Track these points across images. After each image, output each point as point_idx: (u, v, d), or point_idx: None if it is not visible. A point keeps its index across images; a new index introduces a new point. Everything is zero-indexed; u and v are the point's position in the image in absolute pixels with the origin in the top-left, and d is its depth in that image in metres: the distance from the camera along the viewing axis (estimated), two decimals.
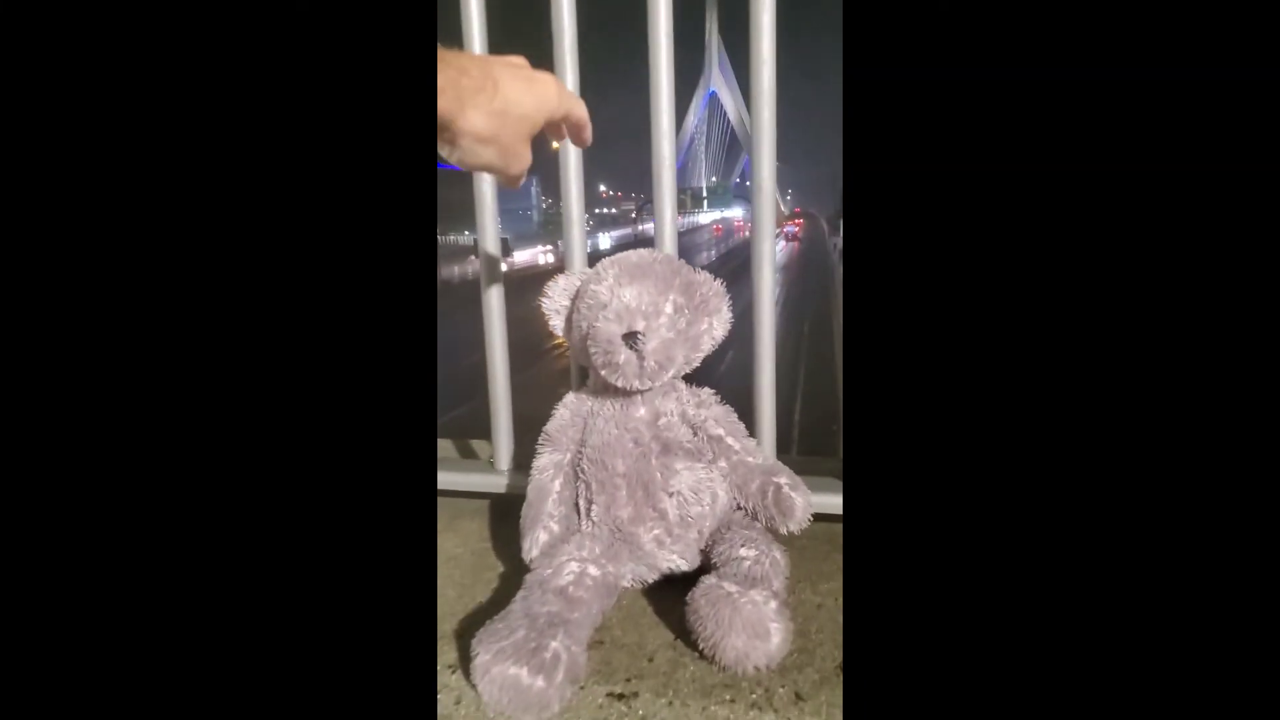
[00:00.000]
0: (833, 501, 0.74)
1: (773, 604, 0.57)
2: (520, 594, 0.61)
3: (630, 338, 0.65)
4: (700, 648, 0.58)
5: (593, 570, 0.63)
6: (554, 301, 0.73)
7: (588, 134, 0.58)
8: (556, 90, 0.50)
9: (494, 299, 0.84)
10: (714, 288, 0.70)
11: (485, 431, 0.93)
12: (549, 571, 0.62)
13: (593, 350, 0.66)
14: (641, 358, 0.65)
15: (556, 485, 0.71)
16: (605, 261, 0.70)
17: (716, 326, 0.70)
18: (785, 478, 0.70)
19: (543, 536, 0.69)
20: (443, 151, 0.47)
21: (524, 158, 0.50)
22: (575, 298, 0.71)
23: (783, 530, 0.69)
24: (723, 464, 0.71)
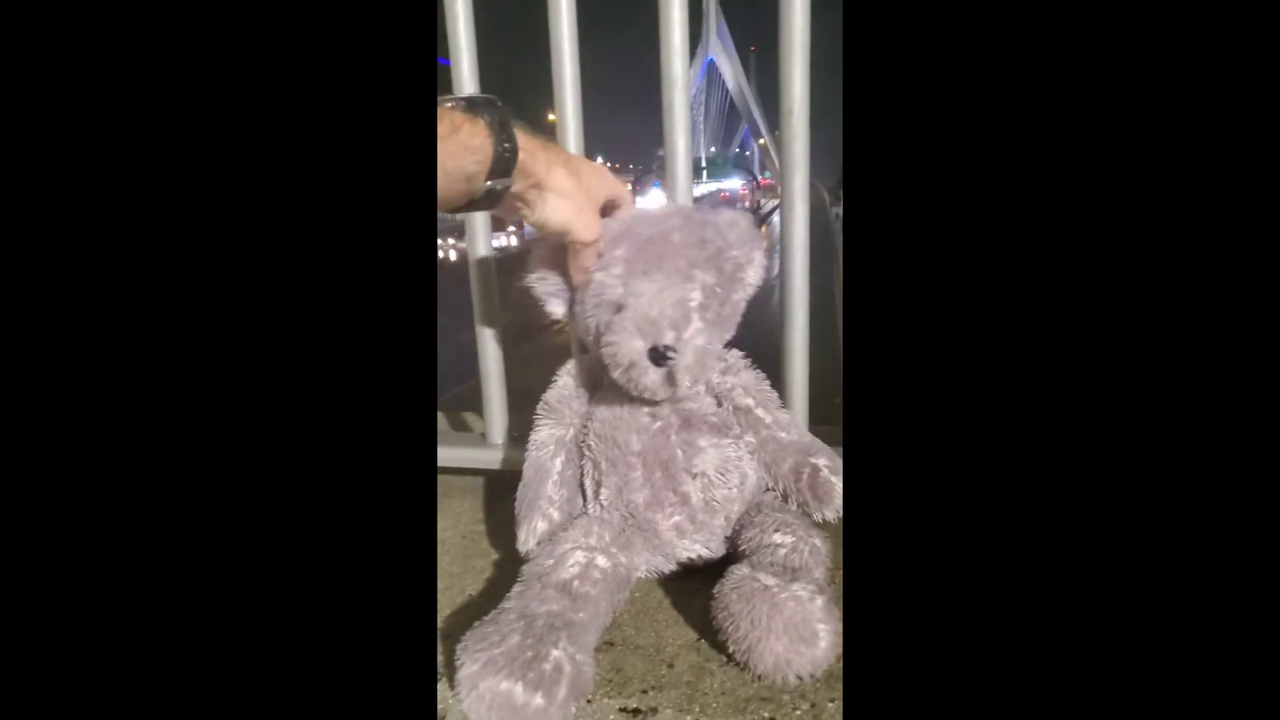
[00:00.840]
0: None
1: (819, 601, 0.47)
2: (516, 588, 0.51)
3: (657, 354, 0.53)
4: (730, 650, 0.49)
5: (601, 561, 0.53)
6: (549, 282, 0.59)
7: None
8: (608, 175, 0.57)
9: (481, 246, 0.74)
10: (742, 233, 0.58)
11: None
12: (550, 562, 0.52)
13: (612, 368, 0.54)
14: (673, 376, 0.53)
15: (558, 464, 0.60)
16: (608, 233, 0.56)
17: (750, 278, 0.58)
18: (824, 459, 0.59)
19: (541, 525, 0.58)
20: (525, 214, 0.52)
21: (594, 224, 0.54)
22: None
23: (817, 517, 0.59)
24: (750, 438, 0.61)
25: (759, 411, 0.61)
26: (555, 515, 0.59)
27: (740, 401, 0.61)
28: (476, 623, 0.47)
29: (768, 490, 0.61)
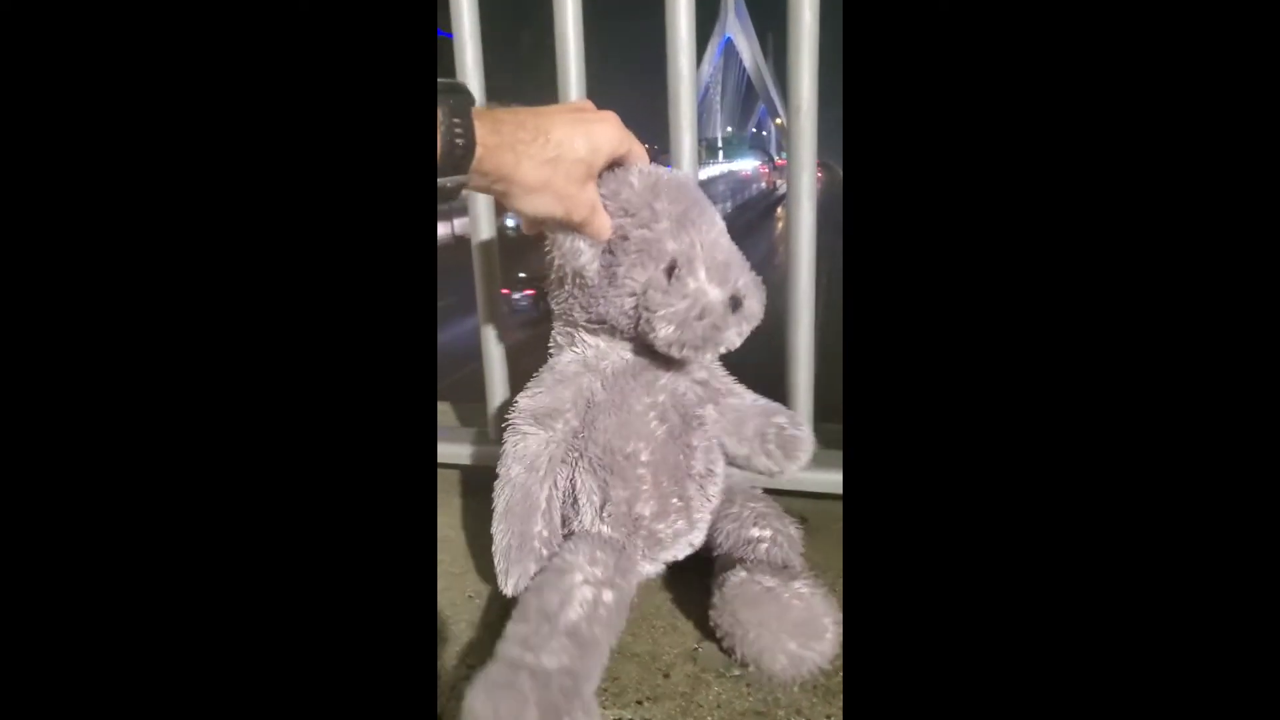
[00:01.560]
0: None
1: (819, 595, 0.48)
2: (521, 628, 0.46)
3: (736, 300, 0.50)
4: (738, 655, 0.49)
5: (607, 596, 0.49)
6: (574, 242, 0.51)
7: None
8: (617, 131, 0.49)
9: (484, 228, 0.73)
10: None
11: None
12: (556, 599, 0.48)
13: (676, 330, 0.50)
14: (743, 324, 0.51)
15: (546, 490, 0.54)
16: (637, 185, 0.50)
17: None
18: (783, 416, 0.60)
19: (533, 569, 0.52)
20: (507, 206, 0.48)
21: (582, 202, 0.48)
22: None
23: (784, 474, 0.59)
24: (711, 410, 0.58)
25: (713, 382, 0.60)
26: (545, 553, 0.53)
27: (697, 375, 0.59)
28: (483, 669, 0.43)
29: (729, 463, 0.60)
